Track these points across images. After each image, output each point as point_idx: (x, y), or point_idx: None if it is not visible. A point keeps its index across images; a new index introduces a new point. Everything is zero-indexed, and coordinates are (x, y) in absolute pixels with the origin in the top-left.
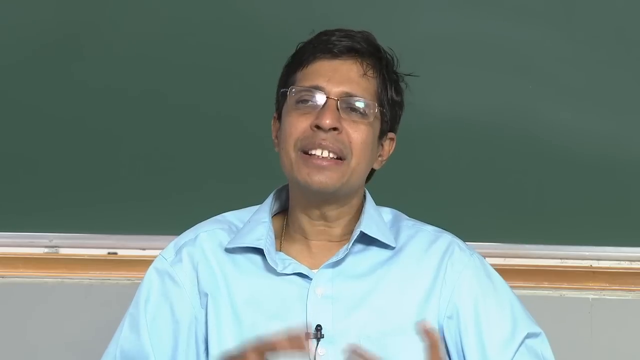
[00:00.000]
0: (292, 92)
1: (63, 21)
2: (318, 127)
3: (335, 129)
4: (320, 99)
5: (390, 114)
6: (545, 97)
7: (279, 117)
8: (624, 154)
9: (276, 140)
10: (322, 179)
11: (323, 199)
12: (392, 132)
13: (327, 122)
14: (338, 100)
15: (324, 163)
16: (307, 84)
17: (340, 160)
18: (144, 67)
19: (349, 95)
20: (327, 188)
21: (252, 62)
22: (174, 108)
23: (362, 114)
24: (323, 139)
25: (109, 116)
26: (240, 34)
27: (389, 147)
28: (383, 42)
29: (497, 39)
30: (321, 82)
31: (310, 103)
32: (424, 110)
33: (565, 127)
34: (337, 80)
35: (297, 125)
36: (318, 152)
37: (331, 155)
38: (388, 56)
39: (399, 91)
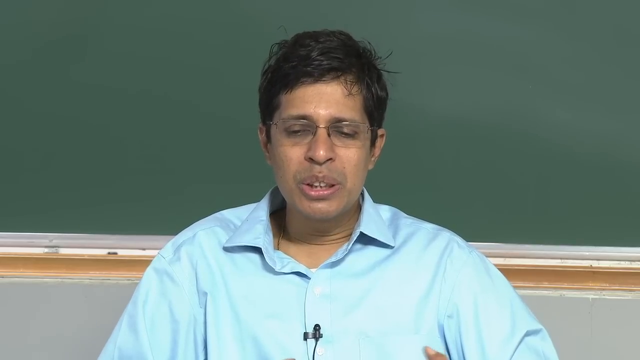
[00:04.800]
0: (281, 122)
1: (62, 21)
2: (312, 159)
3: (329, 159)
4: (310, 129)
5: (378, 117)
6: (545, 97)
7: (267, 132)
8: (624, 154)
9: (267, 154)
10: (324, 207)
11: (324, 221)
12: (380, 128)
13: (321, 153)
14: (328, 127)
15: (324, 192)
16: (295, 112)
17: (336, 185)
18: (144, 67)
19: (338, 120)
20: (329, 215)
21: (253, 62)
22: (174, 108)
23: (353, 136)
24: (319, 172)
25: (109, 116)
26: (240, 35)
27: (379, 143)
28: (382, 42)
29: (497, 39)
30: (308, 110)
31: (300, 133)
32: (424, 110)
33: (565, 127)
34: (324, 106)
35: (292, 156)
36: (316, 183)
37: (328, 184)
38: (368, 54)
39: (382, 85)
